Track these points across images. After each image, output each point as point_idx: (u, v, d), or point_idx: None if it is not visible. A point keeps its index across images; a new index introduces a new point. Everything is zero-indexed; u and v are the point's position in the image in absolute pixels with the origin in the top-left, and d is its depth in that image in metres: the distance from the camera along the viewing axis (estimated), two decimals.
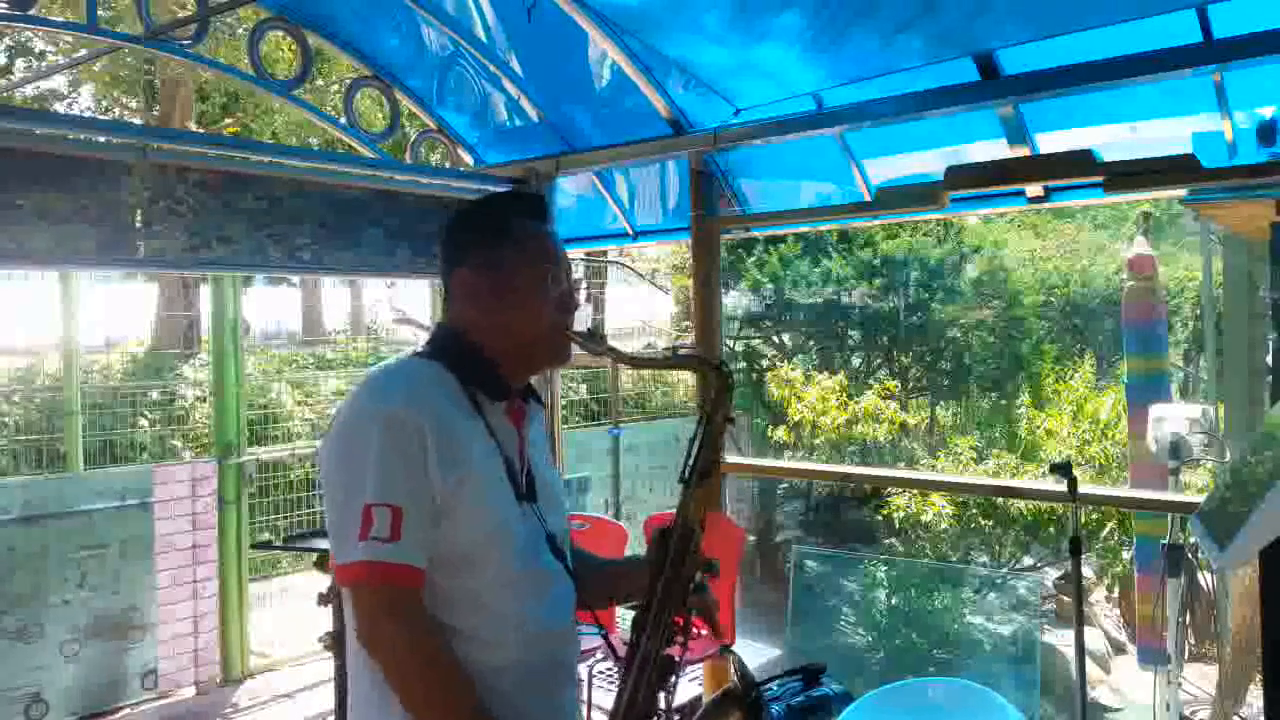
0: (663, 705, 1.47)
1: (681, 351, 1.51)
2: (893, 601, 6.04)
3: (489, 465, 1.46)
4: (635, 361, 1.65)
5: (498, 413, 1.50)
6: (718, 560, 1.53)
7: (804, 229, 7.46)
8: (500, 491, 1.46)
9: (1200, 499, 2.83)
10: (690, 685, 4.11)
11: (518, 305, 1.51)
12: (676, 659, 1.46)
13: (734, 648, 3.51)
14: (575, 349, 1.58)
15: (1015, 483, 6.06)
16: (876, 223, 7.64)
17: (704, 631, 1.54)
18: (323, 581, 3.22)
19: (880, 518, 7.68)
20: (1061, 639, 6.42)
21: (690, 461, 1.50)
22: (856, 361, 9.91)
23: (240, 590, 5.06)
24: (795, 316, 9.83)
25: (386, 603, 1.35)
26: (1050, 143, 3.23)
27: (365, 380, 1.48)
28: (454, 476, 1.38)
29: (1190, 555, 4.97)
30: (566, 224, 4.89)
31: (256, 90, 5.54)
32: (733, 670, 1.47)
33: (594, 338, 1.55)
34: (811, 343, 10.08)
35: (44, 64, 12.50)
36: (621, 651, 1.51)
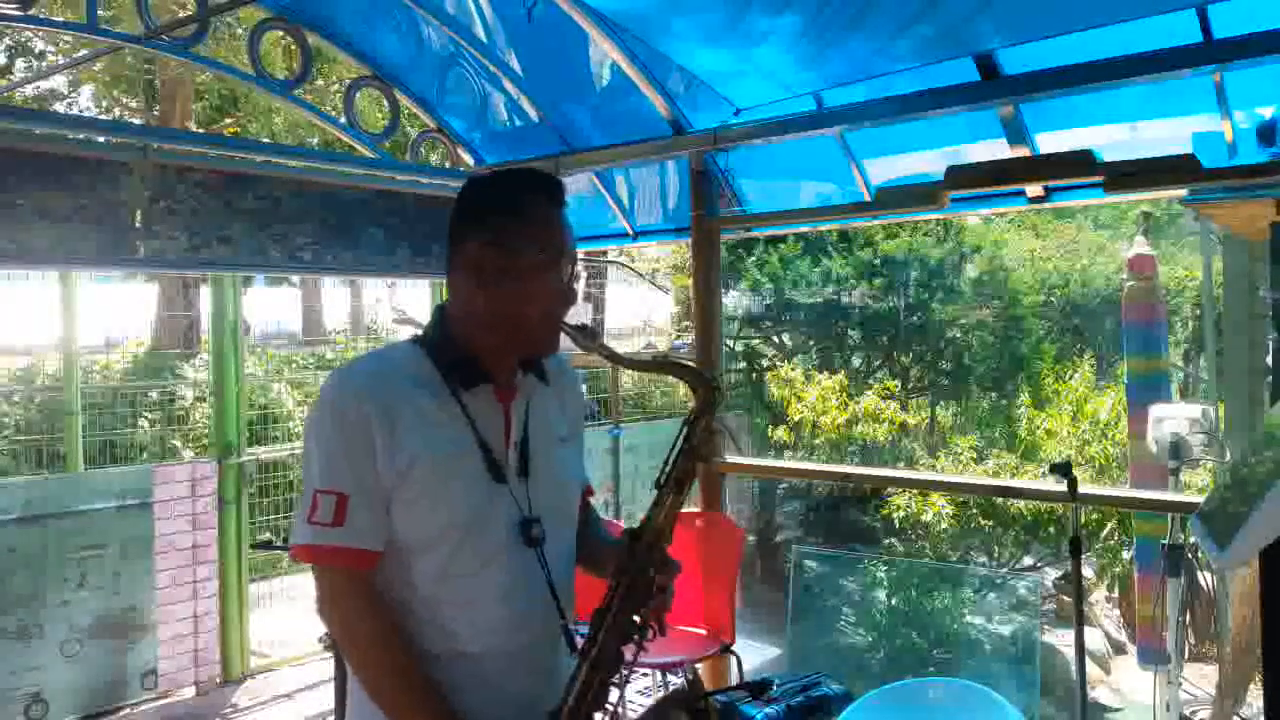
0: (613, 700, 1.47)
1: (673, 358, 1.51)
2: (893, 601, 6.04)
3: (453, 448, 1.46)
4: (626, 362, 1.65)
5: (480, 394, 1.51)
6: (679, 562, 1.53)
7: (804, 229, 7.45)
8: (466, 475, 1.47)
9: (1200, 499, 2.83)
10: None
11: (521, 287, 1.49)
12: (630, 657, 1.47)
13: (734, 647, 3.52)
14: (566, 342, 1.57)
15: (1015, 483, 6.05)
16: (876, 223, 7.65)
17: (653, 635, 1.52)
18: None
19: (880, 518, 7.68)
20: (1061, 639, 6.42)
21: (667, 468, 1.49)
22: (856, 361, 9.90)
23: (240, 590, 5.05)
24: (795, 316, 9.82)
25: (333, 583, 1.43)
26: (1050, 143, 3.23)
27: (334, 370, 1.52)
28: (401, 461, 1.41)
29: (1190, 555, 4.97)
30: None
31: (256, 90, 5.54)
32: (685, 677, 1.48)
33: (587, 333, 1.54)
34: (811, 343, 10.07)
35: (44, 64, 12.50)
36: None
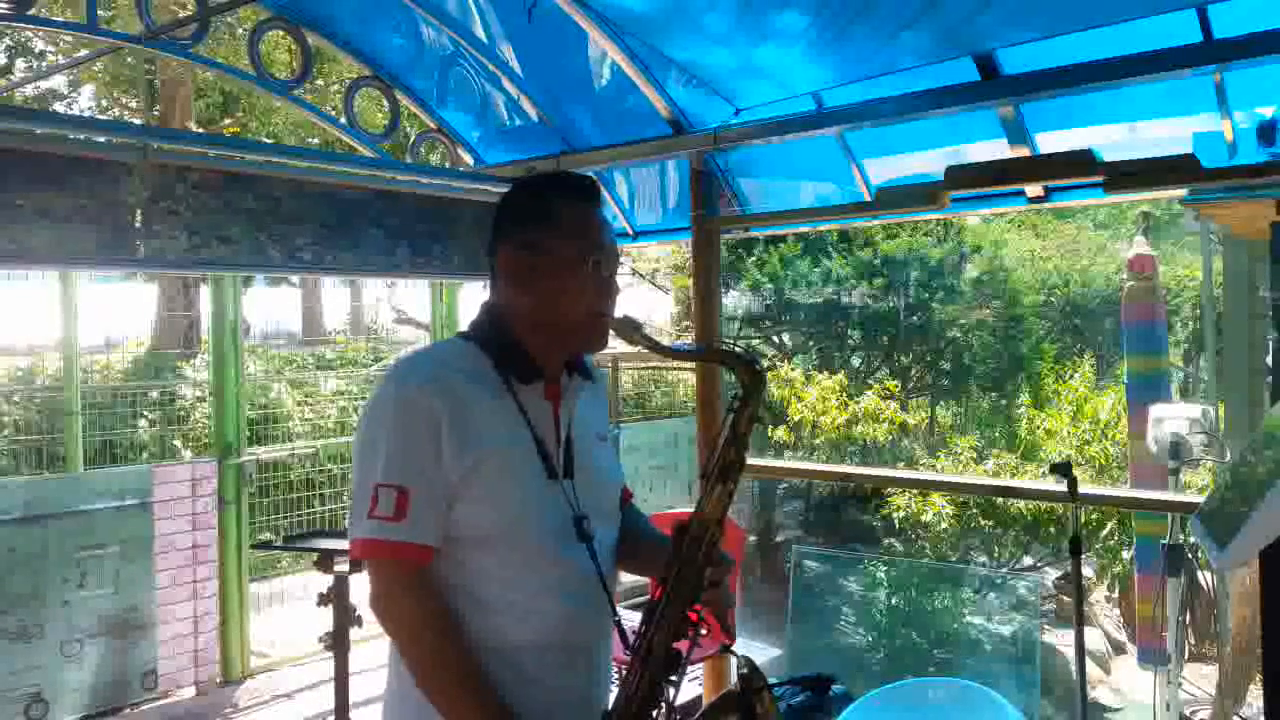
0: (670, 697, 1.46)
1: (716, 345, 1.52)
2: (893, 601, 6.03)
3: (513, 444, 1.48)
4: (669, 351, 1.66)
5: (532, 390, 1.52)
6: (731, 556, 1.53)
7: (804, 229, 7.44)
8: (525, 471, 1.48)
9: (1200, 499, 2.83)
10: (690, 685, 4.11)
11: (555, 287, 1.52)
12: (683, 653, 1.46)
13: (734, 648, 3.51)
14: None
15: (1015, 483, 6.05)
16: (876, 223, 7.65)
17: (707, 632, 1.52)
18: (323, 581, 3.21)
19: (880, 518, 7.68)
20: (1061, 639, 6.42)
21: (715, 458, 1.49)
22: (856, 361, 9.90)
23: (240, 590, 5.05)
24: (795, 316, 9.83)
25: (391, 578, 1.42)
26: (1050, 143, 3.22)
27: (393, 363, 1.53)
28: (470, 457, 1.42)
29: (1190, 555, 4.97)
30: None
31: (256, 90, 5.54)
32: (735, 669, 1.47)
33: (630, 325, 1.54)
34: (811, 343, 10.08)
35: (44, 64, 12.51)
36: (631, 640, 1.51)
